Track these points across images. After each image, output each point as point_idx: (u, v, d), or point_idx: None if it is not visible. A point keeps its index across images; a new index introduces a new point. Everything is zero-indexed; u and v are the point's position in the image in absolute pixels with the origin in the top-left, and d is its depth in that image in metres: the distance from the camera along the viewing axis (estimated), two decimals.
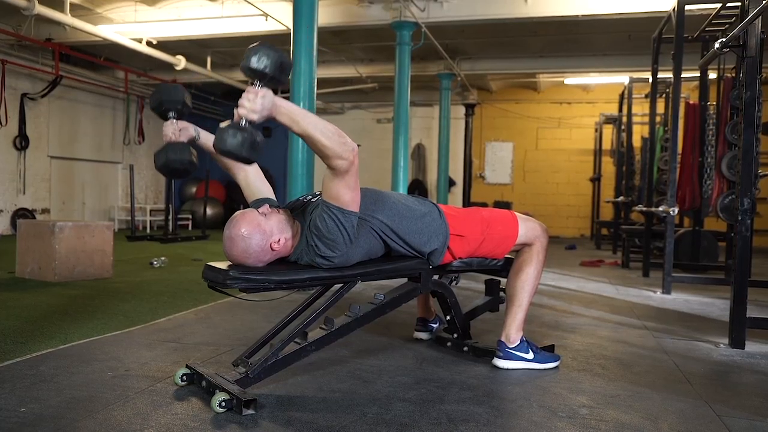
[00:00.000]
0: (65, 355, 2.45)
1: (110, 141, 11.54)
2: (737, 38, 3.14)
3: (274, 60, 1.72)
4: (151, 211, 11.54)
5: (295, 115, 1.79)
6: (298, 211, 2.15)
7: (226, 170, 2.32)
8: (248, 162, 1.80)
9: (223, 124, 1.76)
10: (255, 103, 1.72)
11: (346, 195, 1.93)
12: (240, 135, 1.71)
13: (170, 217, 9.32)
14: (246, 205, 2.21)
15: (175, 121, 2.11)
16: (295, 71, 4.72)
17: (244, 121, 1.73)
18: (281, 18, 7.53)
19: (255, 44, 1.75)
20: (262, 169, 2.33)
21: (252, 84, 1.75)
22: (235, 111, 1.75)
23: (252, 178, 2.28)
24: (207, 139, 2.22)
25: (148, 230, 10.89)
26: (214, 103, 13.33)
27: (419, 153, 13.30)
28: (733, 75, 4.75)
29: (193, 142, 2.17)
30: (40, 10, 6.96)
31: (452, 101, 11.42)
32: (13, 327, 2.93)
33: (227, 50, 10.30)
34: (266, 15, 7.52)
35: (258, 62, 1.71)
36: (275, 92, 1.80)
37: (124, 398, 1.94)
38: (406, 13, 7.45)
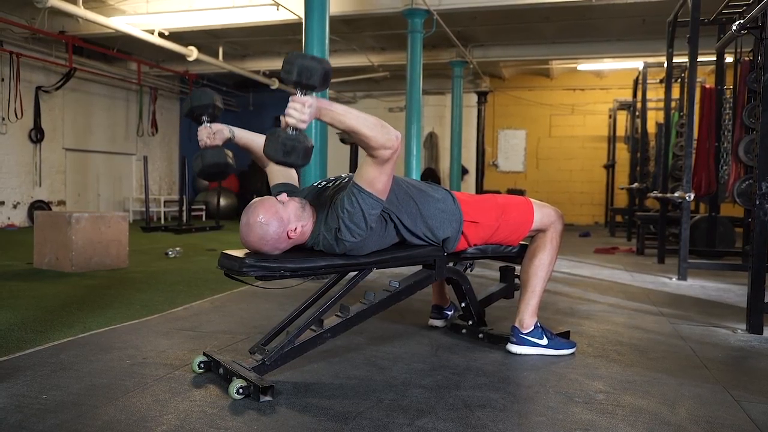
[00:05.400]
0: (84, 343, 2.48)
1: (124, 132, 11.62)
2: (755, 20, 3.10)
3: (319, 72, 1.74)
4: (165, 201, 11.63)
5: (338, 114, 1.83)
6: (313, 196, 2.15)
7: (256, 161, 2.35)
8: (301, 167, 1.81)
9: (271, 132, 1.79)
10: (303, 113, 1.74)
11: (380, 182, 1.94)
12: (292, 144, 1.75)
13: (184, 207, 9.38)
14: (258, 192, 2.23)
15: (209, 124, 2.12)
16: None
17: (292, 129, 1.76)
18: (292, 7, 7.52)
19: (294, 54, 1.75)
20: None
21: (296, 92, 1.76)
22: (282, 119, 1.77)
23: (276, 167, 2.30)
24: (242, 136, 2.26)
25: (162, 221, 10.97)
26: (226, 93, 13.36)
27: (432, 141, 13.26)
28: (751, 58, 4.68)
29: (228, 143, 2.19)
30: (54, 3, 6.99)
31: (464, 89, 11.36)
32: (33, 316, 2.97)
33: (239, 40, 10.29)
34: (278, 4, 7.51)
35: (303, 75, 1.73)
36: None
37: (143, 385, 1.96)
38: (417, 0, 7.40)
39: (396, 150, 1.89)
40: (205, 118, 2.12)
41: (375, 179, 1.93)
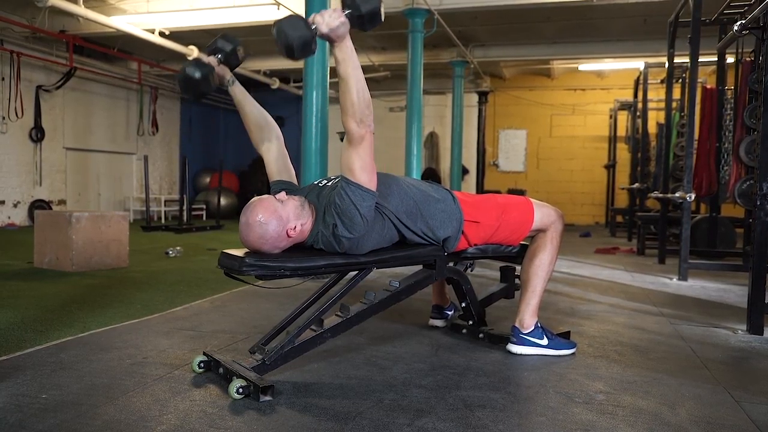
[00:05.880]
0: (84, 342, 2.48)
1: (124, 132, 11.62)
2: (757, 20, 3.09)
3: (374, 6, 1.85)
4: (165, 201, 11.64)
5: (349, 59, 1.87)
6: (313, 194, 2.15)
7: (252, 137, 2.35)
8: (291, 55, 1.85)
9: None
10: (333, 21, 1.82)
11: (364, 173, 1.94)
12: (303, 30, 1.81)
13: (184, 207, 9.37)
14: (258, 192, 2.23)
15: (218, 60, 2.18)
16: (308, 60, 4.71)
17: (314, 25, 1.83)
18: (293, 7, 7.50)
19: None
20: None
21: (342, 8, 1.85)
22: (313, 15, 1.84)
23: (275, 155, 2.30)
24: (241, 90, 2.33)
25: (162, 220, 10.97)
26: (227, 93, 13.32)
27: (432, 141, 13.25)
28: (752, 58, 4.67)
29: (223, 83, 2.26)
30: (54, 2, 6.99)
31: (465, 89, 11.36)
32: (33, 316, 2.97)
33: (239, 40, 10.27)
34: (278, 4, 7.50)
35: None
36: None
37: (142, 385, 1.96)
38: (418, 0, 7.40)
39: (363, 137, 1.91)
40: (219, 56, 2.19)
41: (354, 165, 1.94)
